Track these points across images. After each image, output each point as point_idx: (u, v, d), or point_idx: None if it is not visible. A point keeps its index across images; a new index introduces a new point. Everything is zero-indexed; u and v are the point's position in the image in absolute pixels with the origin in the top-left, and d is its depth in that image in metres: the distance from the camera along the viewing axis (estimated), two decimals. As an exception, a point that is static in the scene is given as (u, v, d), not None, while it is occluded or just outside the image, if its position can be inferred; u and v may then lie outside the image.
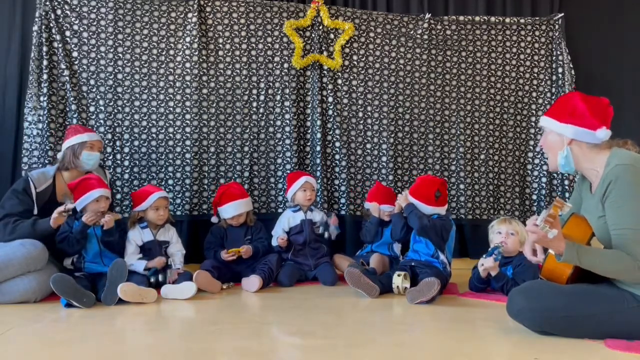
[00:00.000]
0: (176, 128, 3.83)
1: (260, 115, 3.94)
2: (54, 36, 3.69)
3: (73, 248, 2.89)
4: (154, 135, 3.81)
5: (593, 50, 4.26)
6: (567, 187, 4.03)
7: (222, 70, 3.91)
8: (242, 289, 3.10)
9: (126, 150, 3.77)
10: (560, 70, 4.13)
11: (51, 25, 3.68)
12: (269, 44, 3.96)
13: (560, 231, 1.92)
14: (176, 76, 3.85)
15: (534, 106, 4.19)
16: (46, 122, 3.61)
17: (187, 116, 3.84)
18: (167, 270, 3.05)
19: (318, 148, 3.95)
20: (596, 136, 2.01)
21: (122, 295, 2.60)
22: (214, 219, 3.48)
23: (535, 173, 4.17)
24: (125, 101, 3.79)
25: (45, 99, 3.62)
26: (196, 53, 3.84)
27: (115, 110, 3.77)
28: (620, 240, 1.92)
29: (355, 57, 4.03)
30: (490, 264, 2.78)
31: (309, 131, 4.00)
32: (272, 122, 3.95)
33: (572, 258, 1.93)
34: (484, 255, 2.86)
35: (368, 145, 4.03)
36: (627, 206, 1.90)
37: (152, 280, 2.99)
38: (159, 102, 3.82)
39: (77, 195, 2.91)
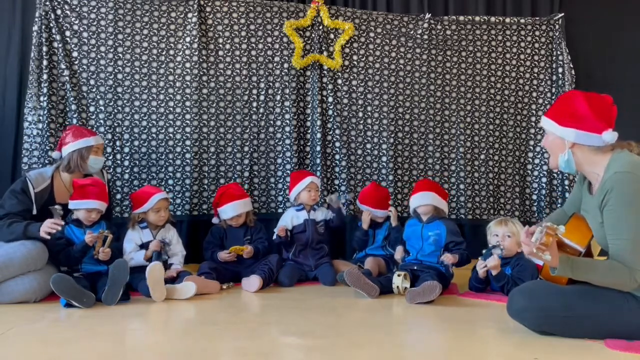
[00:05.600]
0: (176, 128, 3.83)
1: (260, 115, 3.95)
2: (54, 36, 3.69)
3: (70, 262, 2.87)
4: (154, 135, 3.81)
5: (593, 50, 4.26)
6: (567, 188, 4.03)
7: (222, 70, 3.91)
8: (242, 289, 3.10)
9: (126, 150, 3.77)
10: (560, 70, 4.13)
11: (51, 25, 3.68)
12: (269, 44, 3.96)
13: (555, 253, 1.88)
14: (176, 76, 3.85)
15: (534, 106, 4.19)
16: (46, 122, 3.62)
17: (187, 116, 3.84)
18: (165, 247, 3.12)
19: (318, 148, 3.95)
20: (602, 139, 1.95)
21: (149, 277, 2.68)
22: (214, 220, 3.48)
23: (536, 173, 4.17)
24: (125, 101, 3.79)
25: (45, 99, 3.62)
26: (196, 53, 3.84)
27: (115, 110, 3.77)
28: (618, 250, 1.91)
29: (355, 57, 4.03)
30: (494, 263, 2.76)
31: (309, 131, 4.00)
32: (272, 122, 3.96)
33: (565, 272, 1.92)
34: (480, 257, 2.86)
35: (368, 146, 4.03)
36: (625, 216, 1.88)
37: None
38: (159, 102, 3.82)
39: (75, 196, 2.92)
